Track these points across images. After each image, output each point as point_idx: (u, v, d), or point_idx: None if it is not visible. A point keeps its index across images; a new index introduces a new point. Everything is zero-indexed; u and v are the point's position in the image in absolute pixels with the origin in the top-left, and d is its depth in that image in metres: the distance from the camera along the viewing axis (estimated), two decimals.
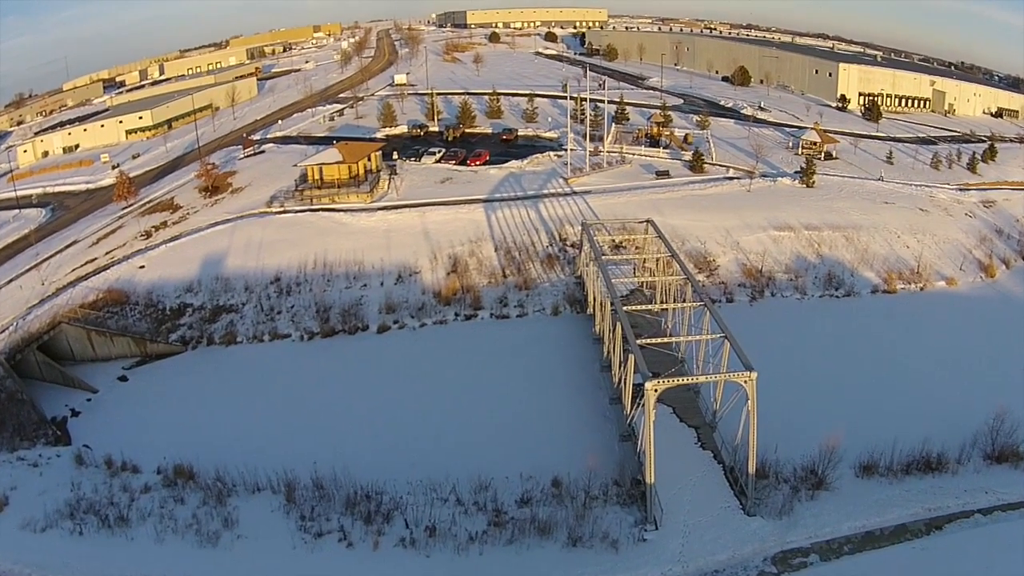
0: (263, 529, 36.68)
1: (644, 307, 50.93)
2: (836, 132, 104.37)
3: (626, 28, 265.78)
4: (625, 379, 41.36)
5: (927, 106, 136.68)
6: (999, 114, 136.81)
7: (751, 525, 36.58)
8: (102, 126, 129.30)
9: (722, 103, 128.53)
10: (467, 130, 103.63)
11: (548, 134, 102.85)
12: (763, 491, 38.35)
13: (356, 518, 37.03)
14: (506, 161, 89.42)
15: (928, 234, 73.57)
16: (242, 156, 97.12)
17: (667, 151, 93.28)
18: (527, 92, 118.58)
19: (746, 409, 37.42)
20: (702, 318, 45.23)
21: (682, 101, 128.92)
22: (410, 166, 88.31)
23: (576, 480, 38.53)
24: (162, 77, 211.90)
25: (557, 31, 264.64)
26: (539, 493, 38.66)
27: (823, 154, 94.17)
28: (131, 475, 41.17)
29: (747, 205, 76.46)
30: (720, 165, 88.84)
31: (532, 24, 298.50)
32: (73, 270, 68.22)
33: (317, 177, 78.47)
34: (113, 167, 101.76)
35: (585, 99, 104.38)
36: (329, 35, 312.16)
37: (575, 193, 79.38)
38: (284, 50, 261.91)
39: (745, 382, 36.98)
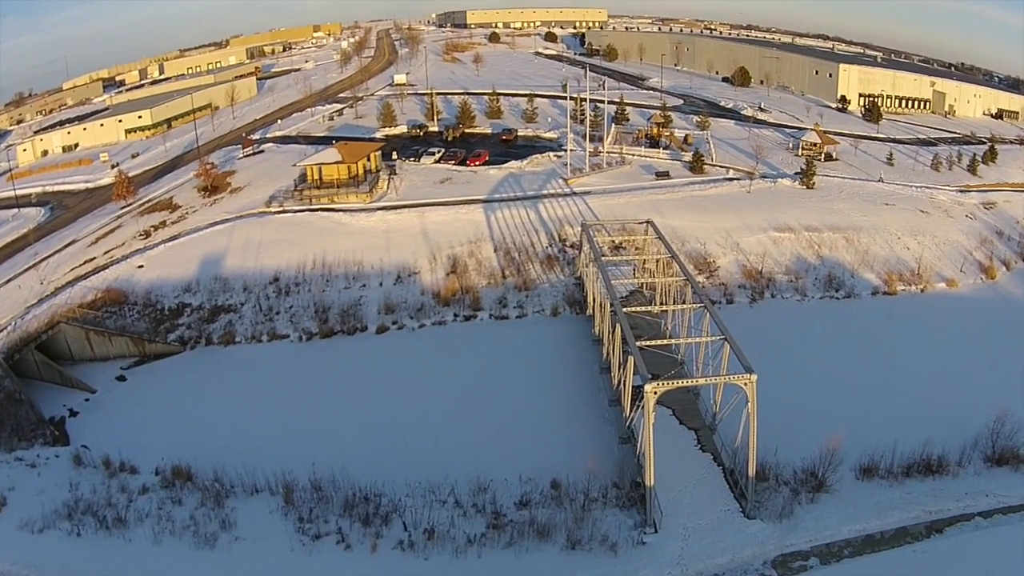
0: (261, 531, 36.59)
1: (644, 308, 50.80)
2: (836, 133, 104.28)
3: (626, 28, 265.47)
4: (624, 381, 41.24)
5: (927, 107, 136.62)
6: (999, 115, 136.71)
7: (751, 528, 36.49)
8: (101, 125, 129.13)
9: (722, 104, 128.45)
10: (467, 130, 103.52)
11: (548, 134, 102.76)
12: (763, 494, 38.26)
13: (354, 520, 36.95)
14: (506, 161, 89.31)
15: (928, 236, 73.50)
16: (241, 156, 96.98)
17: (667, 152, 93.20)
18: (527, 92, 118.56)
19: (746, 411, 37.29)
20: (702, 319, 45.15)
21: (682, 102, 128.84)
22: (409, 166, 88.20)
23: (575, 482, 38.47)
24: (162, 76, 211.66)
25: (557, 31, 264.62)
26: (538, 495, 38.57)
27: (823, 155, 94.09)
28: (129, 476, 41.12)
29: (747, 206, 76.37)
30: (720, 166, 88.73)
31: (532, 24, 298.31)
32: (72, 270, 68.07)
33: (316, 177, 78.34)
34: (112, 166, 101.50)
35: (585, 99, 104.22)
36: (329, 35, 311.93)
37: (575, 194, 79.27)
38: (284, 50, 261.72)
39: (745, 384, 36.86)
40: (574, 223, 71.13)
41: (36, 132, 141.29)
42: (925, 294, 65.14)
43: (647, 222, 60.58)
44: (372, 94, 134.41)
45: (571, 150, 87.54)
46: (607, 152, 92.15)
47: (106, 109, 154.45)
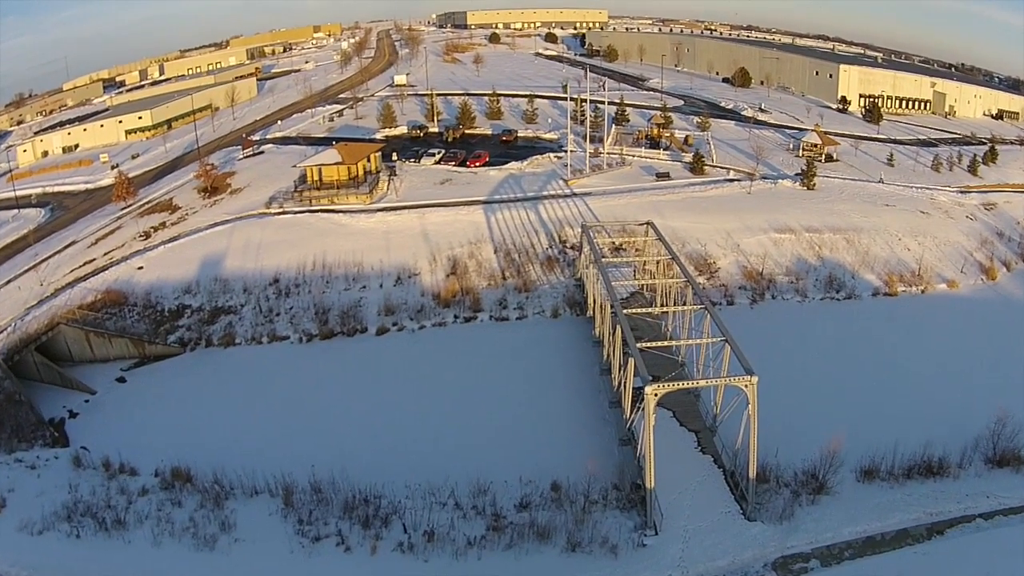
0: (260, 533, 36.53)
1: (644, 310, 50.70)
2: (836, 134, 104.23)
3: (626, 29, 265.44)
4: (625, 382, 41.16)
5: (928, 108, 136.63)
6: (1000, 116, 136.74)
7: (751, 530, 36.43)
8: (102, 126, 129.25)
9: (722, 104, 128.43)
10: (467, 131, 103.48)
11: (548, 135, 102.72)
12: (763, 496, 38.20)
13: (354, 522, 36.89)
14: (506, 162, 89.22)
15: (929, 236, 73.46)
16: (241, 157, 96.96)
17: (667, 153, 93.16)
18: (527, 93, 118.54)
19: (747, 413, 37.21)
20: (702, 321, 45.10)
21: (682, 102, 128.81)
22: (409, 167, 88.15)
23: (575, 484, 38.39)
24: (162, 77, 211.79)
25: (557, 32, 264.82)
26: (538, 497, 38.50)
27: (824, 156, 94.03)
28: (129, 477, 41.04)
29: (747, 207, 76.30)
30: (720, 167, 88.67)
31: (532, 25, 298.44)
32: (72, 271, 68.07)
33: (316, 178, 78.30)
34: (112, 167, 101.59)
35: (585, 100, 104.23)
36: (329, 35, 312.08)
37: (575, 195, 79.21)
38: (284, 50, 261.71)
39: (746, 386, 36.80)
40: (574, 224, 71.08)
41: (36, 133, 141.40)
42: (926, 295, 65.10)
43: (647, 223, 60.52)
44: (372, 95, 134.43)
45: (571, 151, 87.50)
46: (607, 153, 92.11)
47: (106, 110, 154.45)
